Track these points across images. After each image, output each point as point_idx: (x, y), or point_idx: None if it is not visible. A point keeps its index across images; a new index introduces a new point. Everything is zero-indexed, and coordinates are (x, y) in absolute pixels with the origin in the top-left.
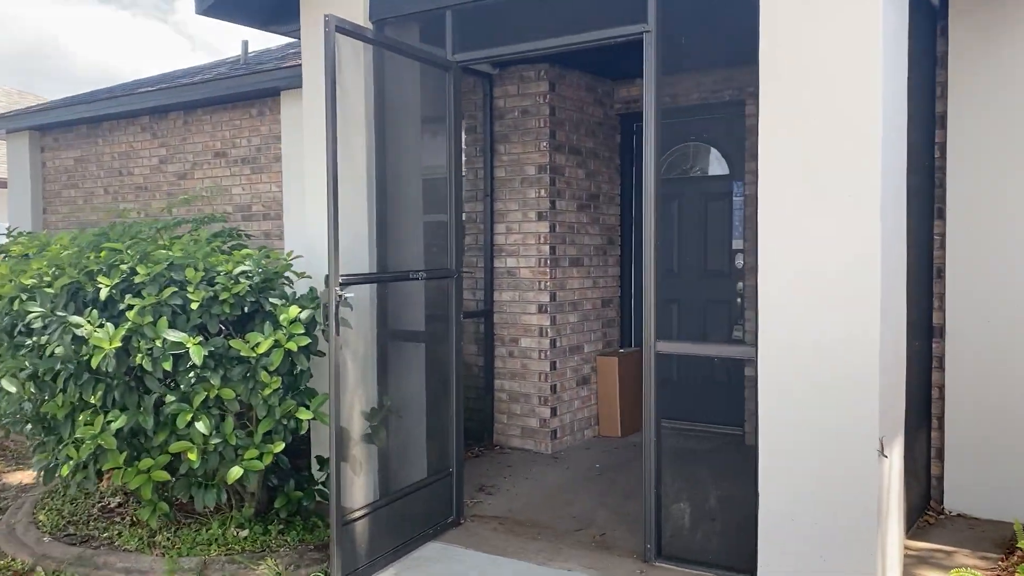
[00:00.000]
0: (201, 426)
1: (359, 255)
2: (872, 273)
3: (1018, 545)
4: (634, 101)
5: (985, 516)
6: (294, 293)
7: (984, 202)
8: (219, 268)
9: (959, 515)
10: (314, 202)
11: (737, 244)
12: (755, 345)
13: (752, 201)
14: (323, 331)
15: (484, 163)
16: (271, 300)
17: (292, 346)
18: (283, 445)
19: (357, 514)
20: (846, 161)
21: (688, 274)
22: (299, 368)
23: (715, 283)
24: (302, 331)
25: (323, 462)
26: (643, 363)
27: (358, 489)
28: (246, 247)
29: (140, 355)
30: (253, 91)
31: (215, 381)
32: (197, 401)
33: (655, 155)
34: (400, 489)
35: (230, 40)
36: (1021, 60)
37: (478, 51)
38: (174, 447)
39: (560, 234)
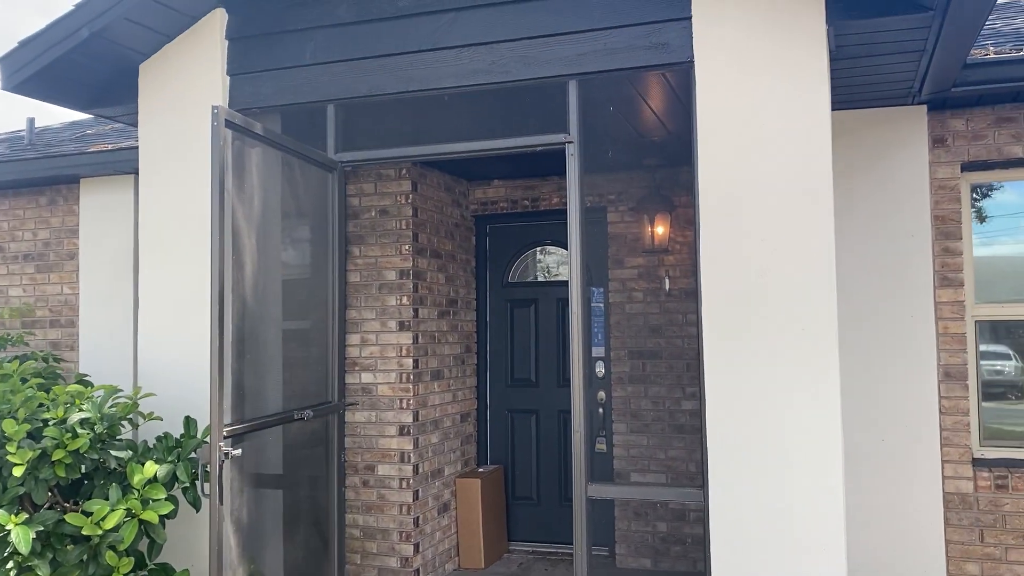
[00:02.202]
0: None
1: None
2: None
3: None
4: (491, 203)
5: None
6: (144, 442)
7: None
8: (46, 416)
9: None
10: (157, 319)
11: (597, 352)
12: (704, 488)
13: (617, 309)
14: (184, 490)
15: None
16: (115, 454)
17: (150, 516)
18: None
19: None
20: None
21: (546, 383)
22: (155, 543)
23: None
24: (162, 495)
25: None
26: (573, 513)
27: None
28: (60, 377)
29: None
30: (45, 177)
31: (43, 572)
32: None
33: (580, 253)
34: None
35: None
36: None
37: (371, 151)
38: None
39: (423, 345)
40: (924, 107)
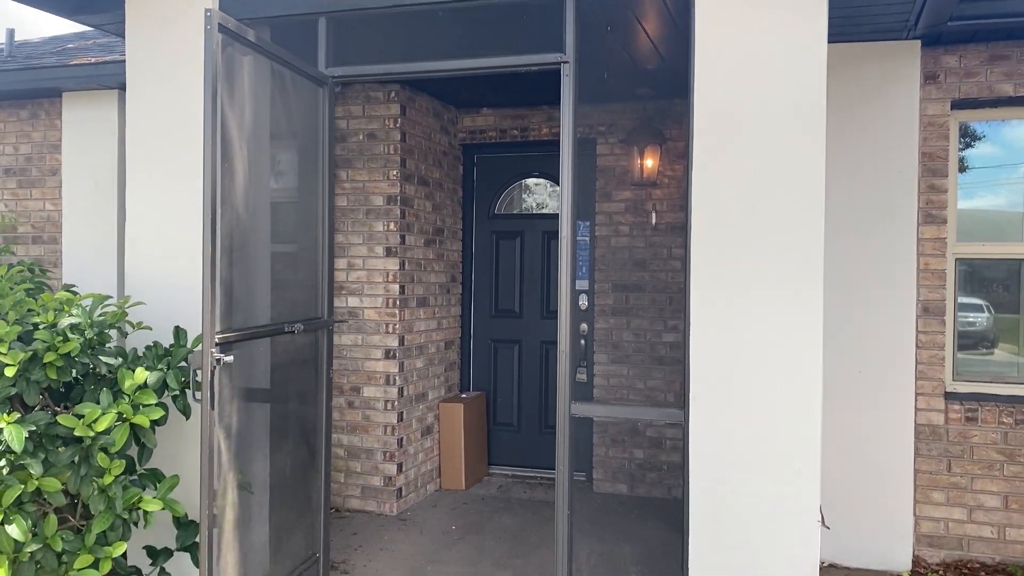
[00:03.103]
0: (15, 530)
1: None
2: (814, 345)
3: None
4: (479, 132)
5: (855, 565)
6: (134, 350)
7: None
8: (36, 320)
9: (831, 565)
10: (145, 232)
11: (581, 285)
12: (685, 408)
13: (603, 243)
14: (175, 398)
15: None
16: (105, 360)
17: (141, 421)
18: (124, 547)
19: None
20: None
21: (530, 314)
22: (145, 447)
23: (556, 325)
24: (153, 401)
25: (155, 554)
26: (557, 430)
27: None
28: (48, 287)
29: None
30: (26, 90)
31: (36, 470)
32: (9, 498)
33: (572, 185)
34: None
35: None
36: None
37: (362, 67)
38: None
39: (409, 272)
40: (918, 43)
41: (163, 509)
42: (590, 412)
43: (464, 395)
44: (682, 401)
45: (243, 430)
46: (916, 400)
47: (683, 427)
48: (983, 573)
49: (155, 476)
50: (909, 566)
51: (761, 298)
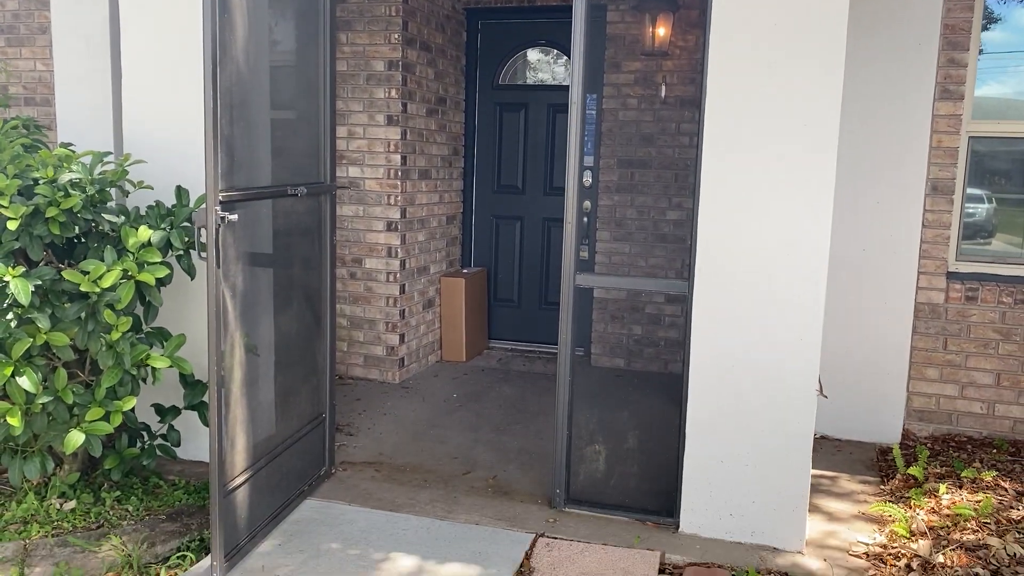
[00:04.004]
0: (26, 382)
1: (200, 156)
2: (823, 218)
3: (900, 470)
4: None
5: (845, 437)
6: (136, 209)
7: None
8: (35, 175)
9: (822, 437)
10: (143, 91)
11: (586, 161)
12: (689, 279)
13: (610, 116)
14: (179, 258)
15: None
16: (108, 218)
17: (147, 278)
18: (134, 401)
19: (238, 480)
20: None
21: (532, 190)
22: (151, 306)
23: (559, 201)
24: (158, 259)
25: (163, 412)
26: (561, 297)
27: (238, 452)
28: (44, 145)
29: None
30: None
31: (44, 323)
32: (19, 350)
33: (583, 54)
34: (279, 445)
35: None
36: None
37: None
38: None
39: (411, 142)
40: None
41: (170, 367)
42: (594, 283)
43: (465, 270)
44: (687, 274)
45: (248, 293)
46: (918, 279)
47: (687, 298)
48: (970, 446)
49: (162, 335)
50: (899, 439)
51: (774, 170)
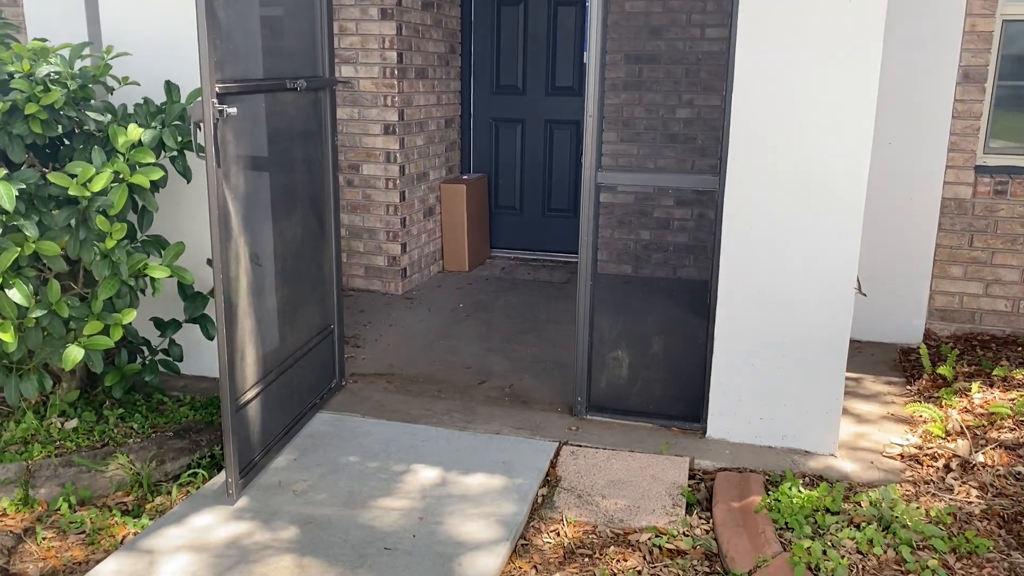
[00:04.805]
0: (16, 295)
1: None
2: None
3: (927, 370)
4: None
5: (865, 339)
6: (123, 107)
7: None
8: (10, 69)
9: None
10: None
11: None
12: (720, 174)
13: (616, 7)
14: (172, 159)
15: None
16: (93, 116)
17: (140, 180)
18: (133, 314)
19: (249, 395)
20: None
21: (534, 90)
22: (146, 211)
23: (562, 102)
24: (151, 159)
25: (163, 326)
26: (581, 196)
27: (248, 365)
28: (15, 39)
29: None
30: None
31: (31, 232)
32: (6, 261)
33: None
34: (289, 357)
35: None
36: None
37: None
38: None
39: (407, 38)
40: None
41: (170, 276)
42: (616, 180)
43: (466, 176)
44: (717, 168)
45: (249, 197)
46: (945, 173)
47: (716, 195)
48: (994, 344)
49: (159, 243)
50: (920, 340)
51: (817, 53)
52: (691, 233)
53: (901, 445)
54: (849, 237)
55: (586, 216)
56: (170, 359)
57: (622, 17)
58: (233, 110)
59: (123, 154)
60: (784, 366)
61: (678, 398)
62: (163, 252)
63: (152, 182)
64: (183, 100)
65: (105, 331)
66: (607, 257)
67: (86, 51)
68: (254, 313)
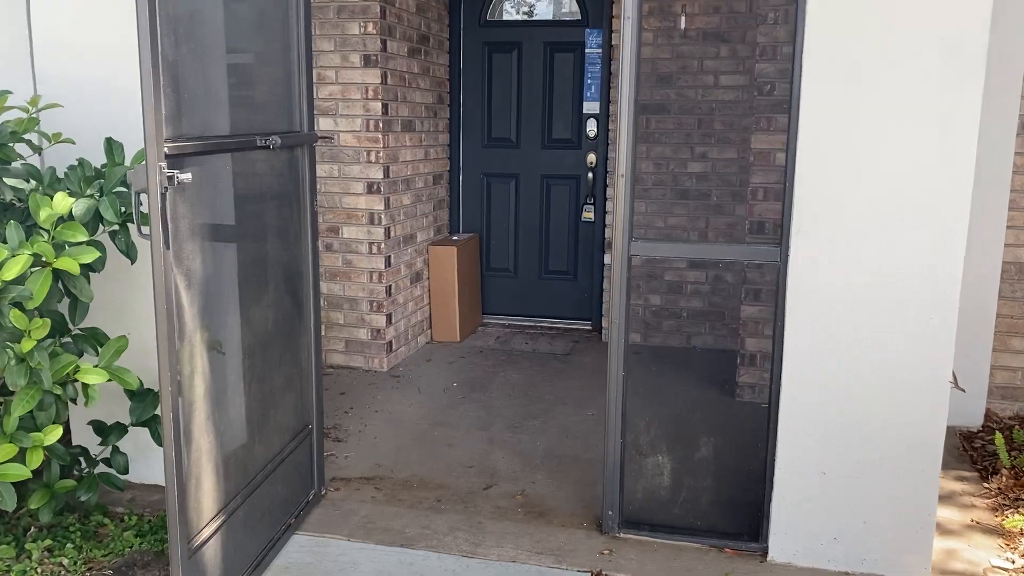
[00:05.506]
0: None
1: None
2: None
3: (1005, 462)
4: None
5: None
6: (52, 170)
7: None
8: None
9: None
10: (59, 17)
11: (590, 108)
12: (782, 245)
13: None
14: (112, 234)
15: None
16: (10, 183)
17: (68, 265)
18: (59, 431)
19: (207, 532)
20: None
21: (529, 143)
22: (78, 301)
23: (560, 156)
24: (83, 238)
25: (105, 431)
26: (613, 272)
27: (206, 494)
28: None
29: None
30: None
31: None
32: None
33: None
34: (259, 472)
35: None
36: None
37: None
38: None
39: (392, 87)
40: None
41: (109, 380)
42: (654, 251)
43: (455, 237)
44: (778, 236)
45: (209, 280)
46: (1005, 234)
47: (779, 269)
48: None
49: (95, 338)
50: (981, 422)
51: (906, 97)
52: (705, 297)
53: (1005, 570)
54: (943, 323)
55: (617, 294)
56: (113, 472)
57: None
58: (187, 176)
59: (47, 231)
60: (863, 474)
61: (731, 510)
62: (100, 349)
63: (84, 265)
64: (128, 161)
65: (21, 456)
66: (634, 327)
67: (8, 102)
68: (214, 427)
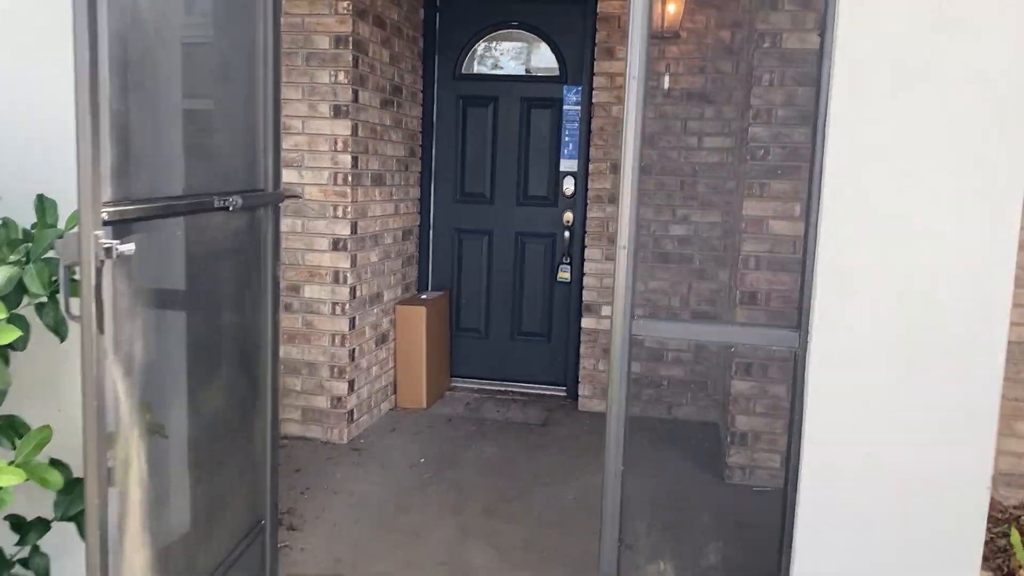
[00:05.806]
0: None
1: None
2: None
3: (1021, 560)
4: None
5: None
6: None
7: None
8: None
9: None
10: None
11: (567, 165)
12: (801, 329)
13: (601, 112)
14: (39, 308)
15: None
16: None
17: None
18: None
19: None
20: None
21: (503, 200)
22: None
23: (535, 213)
24: (2, 314)
25: (23, 527)
26: (613, 355)
27: None
28: None
29: None
30: None
31: None
32: None
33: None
34: None
35: None
36: None
37: None
38: None
39: (363, 139)
40: None
41: (27, 480)
42: (658, 332)
43: (424, 295)
44: (796, 319)
45: (152, 367)
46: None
47: (796, 355)
48: None
49: (13, 428)
50: (986, 511)
51: (939, 164)
52: (687, 366)
53: None
54: (982, 423)
55: (617, 383)
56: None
57: (608, 122)
58: (129, 247)
59: None
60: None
61: None
62: (19, 442)
63: (3, 345)
64: (61, 224)
65: None
66: (590, 392)
67: None
68: (151, 540)
